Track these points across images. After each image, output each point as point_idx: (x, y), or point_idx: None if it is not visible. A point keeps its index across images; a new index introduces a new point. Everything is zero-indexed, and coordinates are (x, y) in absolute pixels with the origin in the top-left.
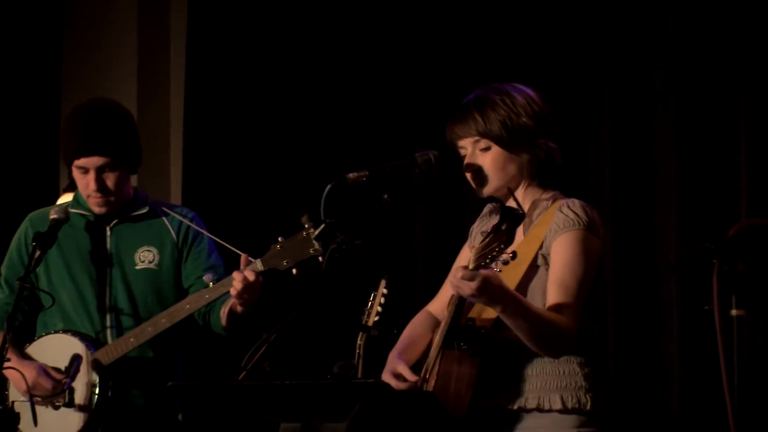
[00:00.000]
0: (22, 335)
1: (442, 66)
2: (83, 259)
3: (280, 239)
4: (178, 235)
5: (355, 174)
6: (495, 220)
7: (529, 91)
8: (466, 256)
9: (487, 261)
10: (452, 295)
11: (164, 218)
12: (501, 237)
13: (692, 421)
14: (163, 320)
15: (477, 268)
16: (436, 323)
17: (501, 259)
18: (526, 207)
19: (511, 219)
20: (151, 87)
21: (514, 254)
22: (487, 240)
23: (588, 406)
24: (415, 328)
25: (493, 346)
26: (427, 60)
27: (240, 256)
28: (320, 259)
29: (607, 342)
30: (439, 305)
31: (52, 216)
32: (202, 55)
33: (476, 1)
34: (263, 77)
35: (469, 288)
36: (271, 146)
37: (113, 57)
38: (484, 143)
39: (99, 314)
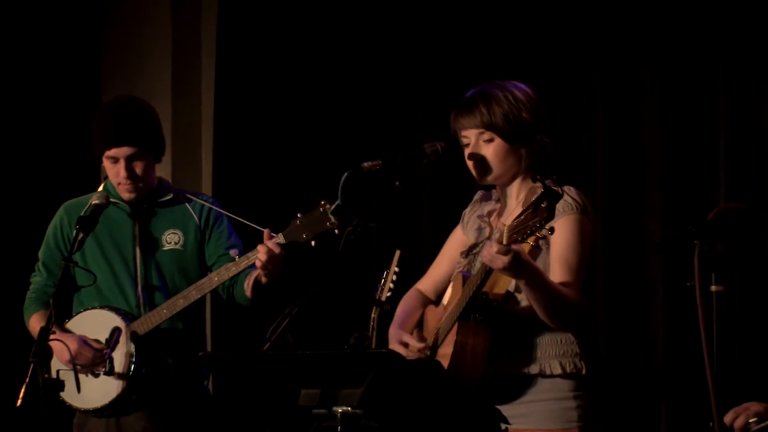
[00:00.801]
0: (60, 314)
1: (446, 65)
2: (115, 242)
3: (299, 215)
4: (200, 218)
5: (370, 163)
6: (486, 206)
7: (529, 90)
8: (458, 238)
9: (524, 236)
10: (478, 268)
11: (187, 204)
12: (542, 213)
13: (675, 386)
14: (193, 292)
15: (510, 242)
16: (426, 300)
17: (540, 234)
18: (522, 195)
19: (551, 197)
20: (184, 84)
21: (552, 229)
22: (523, 216)
23: (584, 371)
24: (408, 304)
25: (503, 318)
26: (432, 60)
27: (262, 232)
28: (336, 231)
29: (598, 315)
30: (429, 283)
31: (94, 201)
32: (230, 56)
33: (478, 5)
34: (285, 76)
35: (501, 262)
36: (293, 138)
37: (149, 58)
38: (488, 135)
39: (132, 291)
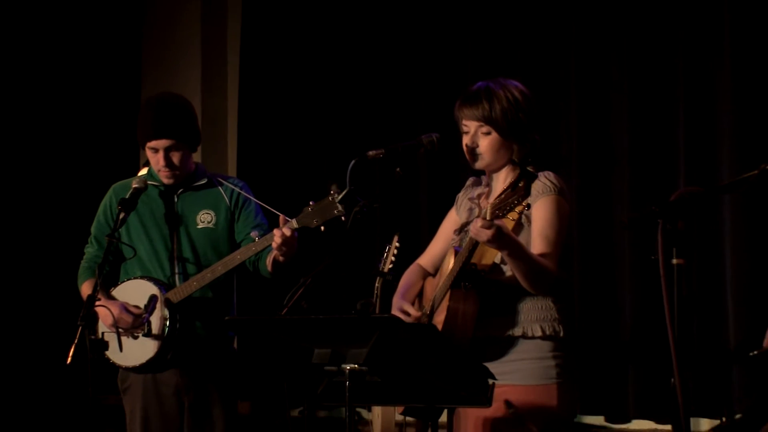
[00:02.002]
0: (108, 281)
1: (440, 66)
2: (156, 220)
3: (310, 203)
4: (230, 200)
5: (374, 152)
6: (477, 190)
7: (526, 91)
8: (452, 218)
9: (504, 212)
10: (467, 241)
11: (219, 187)
12: (519, 192)
13: (641, 346)
14: (219, 267)
15: (493, 218)
16: (425, 273)
17: (517, 209)
18: (509, 181)
19: (528, 178)
20: (212, 81)
21: (528, 205)
22: (504, 195)
23: (561, 334)
24: (410, 277)
25: (489, 287)
26: (428, 62)
27: (279, 216)
28: (342, 218)
29: (573, 285)
30: (427, 259)
31: (134, 185)
32: (252, 56)
33: (469, 12)
34: (301, 74)
35: (486, 234)
36: (307, 129)
37: (182, 57)
38: (486, 128)
39: (169, 264)
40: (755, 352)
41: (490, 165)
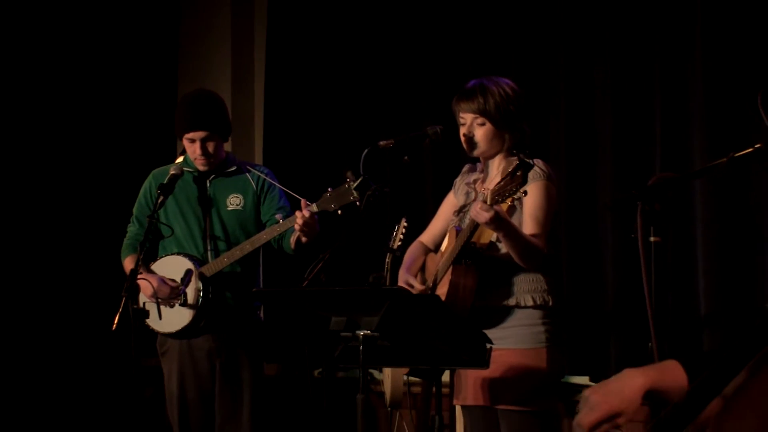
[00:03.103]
0: (148, 257)
1: (443, 66)
2: (191, 203)
3: (329, 189)
4: (257, 186)
5: (384, 142)
6: (472, 175)
7: (516, 87)
8: (450, 200)
9: (503, 198)
10: (468, 222)
11: (247, 174)
12: (517, 180)
13: (622, 315)
14: (248, 246)
15: (492, 203)
16: (427, 249)
17: (516, 196)
18: (502, 167)
19: (525, 167)
20: (241, 79)
21: (525, 192)
22: (503, 182)
23: (550, 303)
24: (413, 252)
25: (487, 262)
26: (433, 63)
27: (301, 200)
28: (357, 203)
29: (562, 260)
30: (428, 236)
31: (172, 172)
32: (276, 59)
33: (467, 16)
34: (319, 74)
35: (485, 217)
36: (325, 120)
37: (214, 59)
38: (481, 120)
39: (202, 242)
40: None
41: (485, 153)
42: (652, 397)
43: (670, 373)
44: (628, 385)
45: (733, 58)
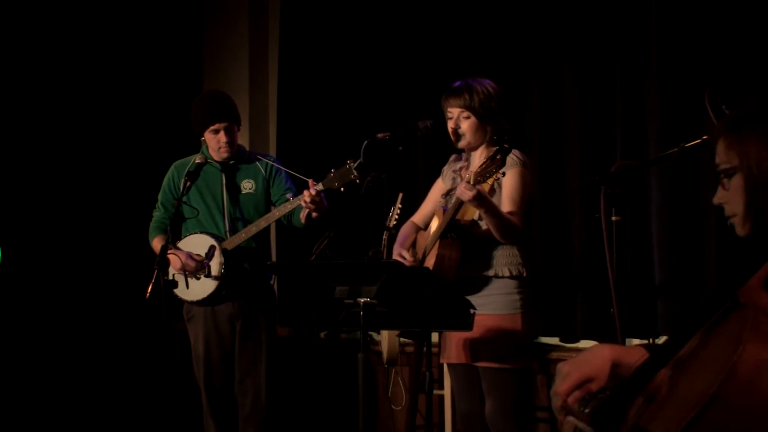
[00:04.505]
0: (173, 236)
1: (432, 68)
2: (210, 188)
3: (332, 170)
4: (266, 172)
5: (381, 134)
6: (458, 164)
7: (496, 86)
8: (439, 185)
9: (485, 178)
10: (454, 201)
11: (257, 162)
12: (497, 162)
13: (587, 284)
14: (262, 222)
15: (475, 183)
16: (418, 227)
17: (496, 176)
18: (485, 157)
19: (504, 152)
20: (258, 79)
21: (504, 173)
22: (484, 165)
23: (524, 274)
24: (405, 230)
25: (470, 238)
26: (425, 65)
27: (307, 181)
28: (357, 181)
29: (536, 237)
30: (419, 216)
31: (197, 161)
32: (288, 60)
33: (458, 25)
34: (324, 76)
35: (468, 195)
36: (330, 115)
37: (234, 60)
38: (466, 113)
39: (221, 221)
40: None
41: (470, 143)
42: (617, 374)
43: (634, 351)
44: (598, 355)
45: (684, 61)
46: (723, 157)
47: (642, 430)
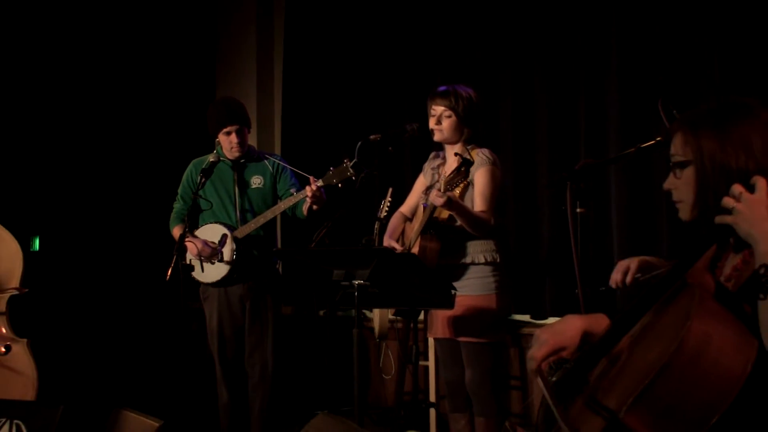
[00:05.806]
0: (191, 225)
1: (420, 77)
2: (223, 184)
3: (331, 168)
4: (273, 169)
5: (374, 136)
6: (436, 161)
7: (476, 93)
8: (421, 180)
9: (452, 187)
10: (429, 204)
11: (265, 161)
12: (462, 174)
13: (555, 268)
14: (269, 213)
15: (446, 190)
16: (405, 218)
17: (461, 185)
18: (456, 158)
19: (467, 164)
20: (264, 85)
21: (470, 182)
22: (452, 175)
23: (498, 260)
24: (394, 221)
25: (447, 232)
26: (412, 74)
27: (308, 178)
28: (353, 178)
29: (509, 227)
30: (406, 208)
31: (211, 159)
32: (291, 68)
33: (439, 38)
34: (322, 84)
35: (439, 202)
36: (329, 119)
37: (243, 68)
38: (449, 112)
39: (233, 213)
40: (603, 288)
41: (447, 139)
42: (585, 341)
43: (601, 320)
44: (570, 325)
45: (640, 72)
46: (679, 150)
47: (597, 403)
